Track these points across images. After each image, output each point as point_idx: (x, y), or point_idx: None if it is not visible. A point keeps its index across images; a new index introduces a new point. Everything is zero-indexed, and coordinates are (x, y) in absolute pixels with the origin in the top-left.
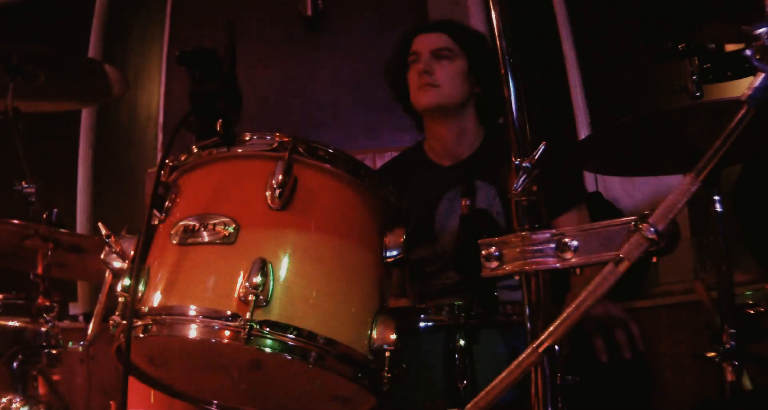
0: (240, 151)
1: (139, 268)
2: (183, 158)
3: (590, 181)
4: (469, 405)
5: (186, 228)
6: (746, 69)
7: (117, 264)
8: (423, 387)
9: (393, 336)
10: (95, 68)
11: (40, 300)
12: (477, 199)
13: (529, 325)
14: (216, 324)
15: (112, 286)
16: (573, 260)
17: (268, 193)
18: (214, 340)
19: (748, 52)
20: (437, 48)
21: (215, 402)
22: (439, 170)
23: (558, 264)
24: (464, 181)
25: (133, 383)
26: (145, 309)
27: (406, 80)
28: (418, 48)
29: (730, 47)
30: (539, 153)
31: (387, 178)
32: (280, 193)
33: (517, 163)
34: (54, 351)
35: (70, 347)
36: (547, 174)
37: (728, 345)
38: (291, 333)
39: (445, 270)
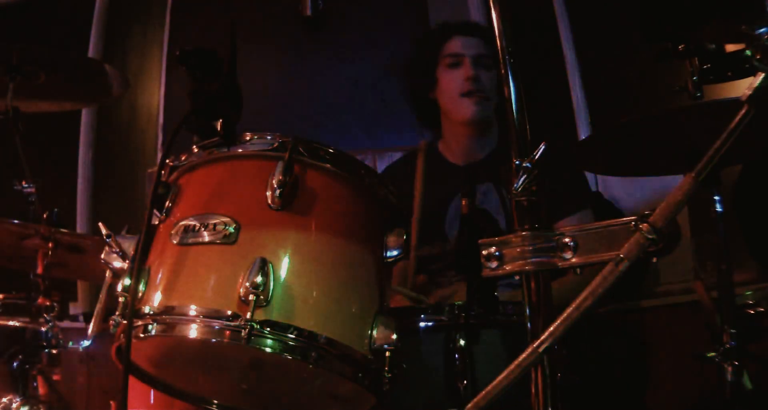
0: (240, 150)
1: (139, 268)
2: (183, 158)
3: (590, 181)
4: (469, 405)
5: (186, 228)
6: (746, 69)
7: (117, 264)
8: (423, 387)
9: (393, 336)
10: (95, 68)
11: (40, 300)
12: (489, 201)
13: (529, 325)
14: (216, 324)
15: (113, 286)
16: (573, 260)
17: (268, 193)
18: (214, 340)
19: (748, 53)
20: (481, 54)
21: (215, 402)
22: (453, 169)
23: (558, 264)
24: (465, 182)
25: (133, 383)
26: (146, 309)
27: (434, 79)
28: (461, 50)
29: (730, 47)
30: (539, 153)
31: (397, 175)
32: (280, 193)
33: (517, 163)
34: (54, 351)
35: (70, 347)
36: (553, 176)
37: (728, 345)
38: (291, 333)
39: (451, 269)
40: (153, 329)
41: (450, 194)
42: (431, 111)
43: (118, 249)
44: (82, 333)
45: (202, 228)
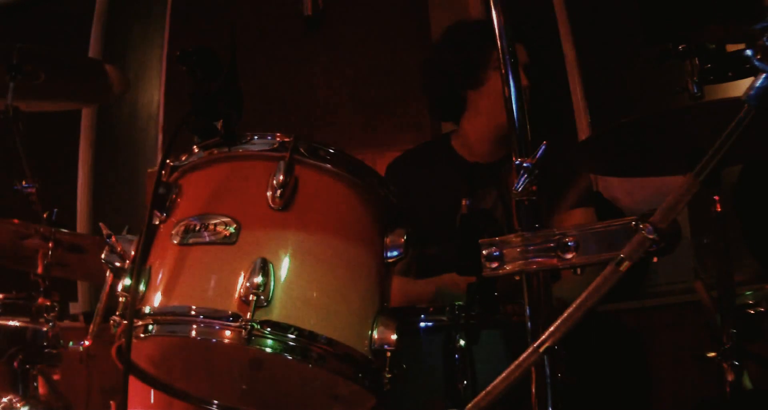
0: (241, 151)
1: (139, 268)
2: (184, 158)
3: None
4: (469, 405)
5: (187, 228)
6: (747, 69)
7: (118, 264)
8: (423, 387)
9: (393, 337)
10: (95, 68)
11: (40, 300)
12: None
13: (529, 325)
14: (217, 324)
15: (113, 286)
16: (573, 260)
17: (269, 193)
18: (214, 340)
19: (749, 52)
20: (527, 64)
21: (215, 402)
22: (467, 167)
23: (558, 264)
24: (465, 182)
25: (133, 383)
26: (146, 309)
27: (480, 78)
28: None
29: (731, 47)
30: (539, 153)
31: (406, 169)
32: (281, 193)
33: (517, 162)
34: (54, 351)
35: (70, 347)
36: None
37: (728, 345)
38: (292, 334)
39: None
40: (153, 329)
41: (463, 193)
42: (455, 106)
43: (118, 249)
44: (82, 333)
45: (203, 229)
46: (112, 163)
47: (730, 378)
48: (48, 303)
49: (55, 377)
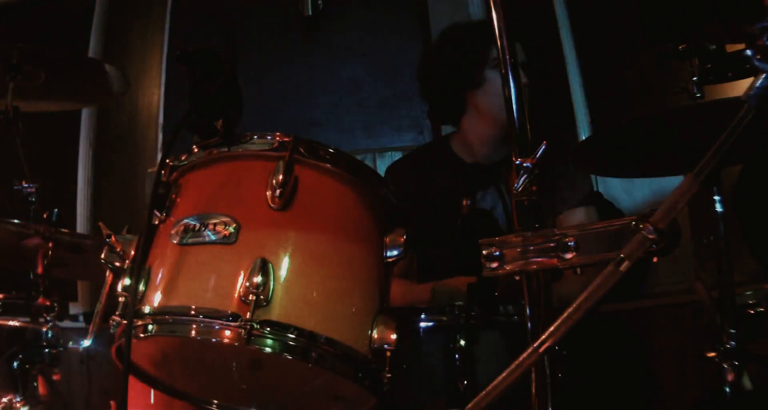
0: (241, 150)
1: (139, 268)
2: (183, 158)
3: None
4: (469, 405)
5: (186, 228)
6: (747, 69)
7: (117, 264)
8: (423, 387)
9: (393, 336)
10: (95, 68)
11: (40, 300)
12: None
13: (529, 325)
14: (216, 324)
15: (113, 286)
16: (573, 260)
17: (268, 193)
18: (214, 340)
19: (748, 52)
20: (524, 61)
21: (215, 402)
22: (466, 168)
23: (558, 264)
24: (465, 183)
25: (133, 383)
26: (146, 309)
27: (479, 78)
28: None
29: (730, 47)
30: (539, 153)
31: (406, 172)
32: (280, 193)
33: (517, 162)
34: (54, 351)
35: (70, 347)
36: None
37: (728, 345)
38: (291, 333)
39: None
40: (153, 329)
41: (464, 194)
42: (453, 107)
43: (118, 249)
44: (82, 333)
45: (203, 228)
46: (112, 163)
47: (730, 378)
48: (48, 303)
49: (55, 377)
